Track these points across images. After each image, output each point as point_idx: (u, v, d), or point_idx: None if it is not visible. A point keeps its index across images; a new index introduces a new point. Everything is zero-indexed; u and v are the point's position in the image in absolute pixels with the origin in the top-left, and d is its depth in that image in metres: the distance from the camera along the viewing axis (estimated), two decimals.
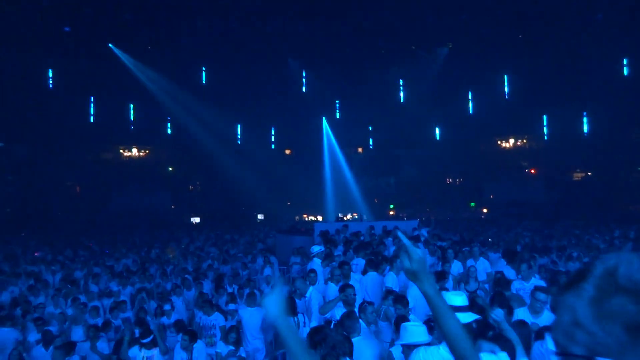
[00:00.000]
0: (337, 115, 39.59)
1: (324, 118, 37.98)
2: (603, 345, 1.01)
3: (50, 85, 34.42)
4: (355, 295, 6.07)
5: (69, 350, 6.82)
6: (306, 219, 34.61)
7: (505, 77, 37.20)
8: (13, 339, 7.89)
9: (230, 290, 9.93)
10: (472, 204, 36.72)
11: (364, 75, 35.60)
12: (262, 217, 37.13)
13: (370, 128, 40.23)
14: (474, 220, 30.64)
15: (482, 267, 8.53)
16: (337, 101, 40.02)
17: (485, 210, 35.93)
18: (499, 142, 38.95)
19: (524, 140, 38.83)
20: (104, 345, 7.72)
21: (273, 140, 40.12)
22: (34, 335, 8.24)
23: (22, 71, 30.50)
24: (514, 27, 31.06)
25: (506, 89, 37.90)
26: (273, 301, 1.85)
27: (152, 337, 6.14)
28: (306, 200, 36.47)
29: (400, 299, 5.70)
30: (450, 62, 34.03)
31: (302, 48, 34.13)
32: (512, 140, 39.03)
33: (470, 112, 38.66)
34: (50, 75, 34.42)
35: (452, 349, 1.72)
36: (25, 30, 27.84)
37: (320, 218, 30.87)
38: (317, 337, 3.25)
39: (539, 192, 34.00)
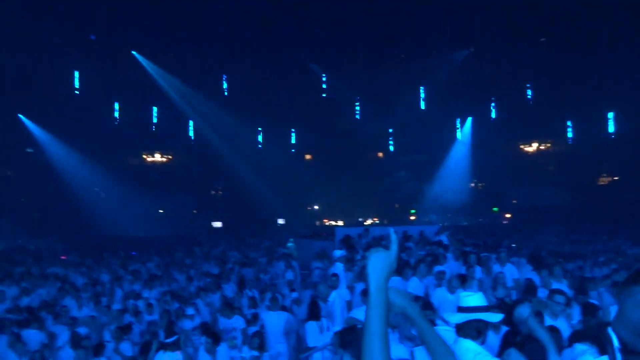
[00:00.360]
0: (358, 120, 39.52)
1: (344, 122, 38.00)
2: None
3: (77, 92, 35.16)
4: None
5: (97, 351, 6.95)
6: (326, 223, 34.66)
7: (528, 83, 36.64)
8: (38, 341, 8.05)
9: (251, 294, 10.01)
10: (495, 209, 36.24)
11: (384, 79, 35.51)
12: (283, 222, 37.26)
13: (390, 132, 40.08)
14: (497, 225, 30.23)
15: (510, 273, 8.40)
16: (357, 105, 39.99)
17: (508, 216, 35.42)
18: (521, 147, 38.39)
19: (548, 145, 38.20)
20: (127, 347, 7.83)
21: (293, 145, 40.21)
22: (62, 337, 8.43)
23: (50, 79, 31.27)
24: (536, 29, 30.66)
25: (529, 93, 37.38)
26: (380, 261, 1.64)
27: (176, 337, 6.21)
28: (327, 205, 36.55)
29: (428, 304, 5.67)
30: (472, 66, 33.71)
31: (323, 52, 34.27)
32: (535, 145, 38.44)
33: (493, 116, 38.21)
34: (77, 84, 35.17)
35: None
36: (53, 38, 28.59)
37: (341, 223, 30.90)
38: (347, 337, 3.25)
39: (564, 197, 33.36)
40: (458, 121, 38.76)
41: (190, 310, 8.40)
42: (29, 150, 35.27)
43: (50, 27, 27.58)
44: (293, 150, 39.88)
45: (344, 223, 31.02)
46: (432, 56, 34.32)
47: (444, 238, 12.38)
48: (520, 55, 32.13)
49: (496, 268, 8.49)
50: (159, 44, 32.41)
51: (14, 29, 25.17)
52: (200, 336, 6.67)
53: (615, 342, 1.04)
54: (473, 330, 3.20)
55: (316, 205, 37.56)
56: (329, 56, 34.54)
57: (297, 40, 32.66)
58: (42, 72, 29.90)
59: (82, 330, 8.06)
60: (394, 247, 1.69)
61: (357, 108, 39.94)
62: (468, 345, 3.15)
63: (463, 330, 3.23)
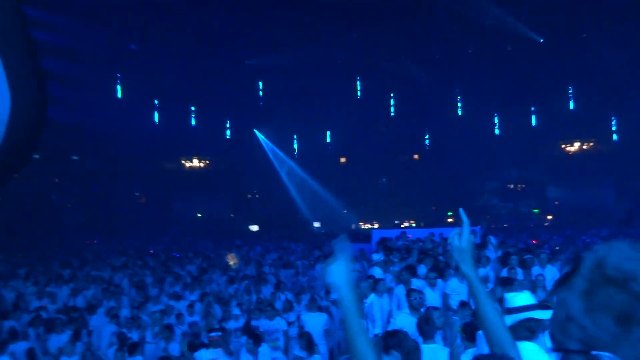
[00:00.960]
0: (393, 122, 39.28)
1: (378, 125, 37.86)
2: (595, 338, 0.98)
3: (118, 101, 36.33)
4: (420, 299, 6.03)
5: (131, 350, 7.17)
6: (362, 226, 34.55)
7: (570, 81, 35.56)
8: (84, 341, 8.35)
9: (287, 296, 10.10)
10: (536, 210, 35.31)
11: (419, 81, 35.24)
12: (319, 225, 37.37)
13: (427, 134, 39.70)
14: (538, 227, 29.43)
15: (551, 275, 8.20)
16: (392, 107, 39.80)
17: (549, 217, 34.44)
18: (563, 146, 37.31)
19: (591, 144, 36.98)
20: (174, 347, 8.04)
21: (329, 148, 40.26)
22: (107, 338, 8.73)
23: (93, 89, 32.44)
24: (578, 25, 29.81)
25: (570, 90, 36.33)
26: (336, 270, 1.72)
27: (217, 334, 6.33)
28: (362, 208, 36.47)
29: (465, 304, 5.60)
30: (511, 64, 33.02)
31: (356, 55, 34.28)
32: (577, 144, 37.28)
33: (533, 115, 37.31)
34: (119, 95, 36.38)
35: (489, 338, 1.70)
36: (95, 48, 29.70)
37: (376, 226, 30.76)
38: (391, 341, 3.25)
39: (608, 198, 32.20)
40: (496, 120, 38.06)
41: (235, 311, 8.54)
42: (74, 157, 36.69)
43: (91, 36, 28.70)
44: (328, 155, 39.90)
45: (379, 226, 30.82)
46: (468, 55, 33.83)
47: (493, 239, 12.07)
48: (561, 53, 31.30)
49: (536, 270, 8.28)
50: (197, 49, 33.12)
51: (64, 38, 26.23)
52: (242, 337, 6.79)
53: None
54: (525, 330, 3.13)
55: (352, 208, 37.53)
56: (363, 57, 34.51)
57: (331, 40, 32.77)
58: (86, 85, 31.06)
59: (125, 331, 8.32)
60: (466, 228, 1.90)
61: (392, 109, 39.73)
62: (527, 346, 3.08)
63: (516, 332, 3.16)
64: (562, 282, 1.10)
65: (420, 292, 6.31)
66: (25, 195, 31.00)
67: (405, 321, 5.85)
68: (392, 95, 39.26)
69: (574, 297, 1.04)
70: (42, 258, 20.54)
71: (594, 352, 0.99)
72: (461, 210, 1.90)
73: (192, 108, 38.85)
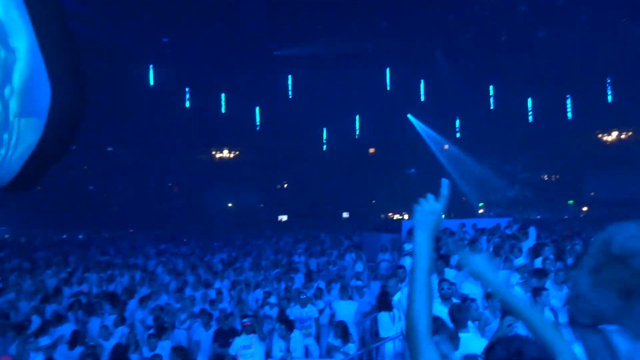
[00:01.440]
0: (423, 112, 38.79)
1: (409, 115, 37.45)
2: (602, 312, 1.07)
3: (150, 91, 36.98)
4: (450, 289, 5.99)
5: (159, 333, 7.37)
6: (391, 217, 34.41)
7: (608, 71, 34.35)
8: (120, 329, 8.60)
9: (318, 284, 10.17)
10: (571, 201, 34.41)
11: (450, 71, 34.65)
12: (347, 215, 37.40)
13: (457, 124, 39.08)
14: (573, 219, 28.70)
15: None
16: (422, 96, 39.27)
17: (585, 209, 33.52)
18: (600, 136, 36.18)
19: (629, 133, 35.74)
20: (203, 332, 8.22)
21: (357, 138, 40.09)
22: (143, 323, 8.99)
23: (127, 83, 33.16)
24: (616, 12, 28.76)
25: (608, 80, 35.14)
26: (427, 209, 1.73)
27: (250, 319, 6.44)
28: (391, 198, 36.26)
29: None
30: (547, 49, 32.10)
31: (384, 45, 33.95)
32: (615, 134, 36.09)
33: (568, 103, 36.26)
34: (152, 80, 37.02)
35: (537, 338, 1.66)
36: (128, 41, 30.28)
37: (406, 216, 30.56)
38: (433, 326, 3.25)
39: None
40: (530, 107, 37.16)
41: (272, 299, 8.65)
42: (109, 149, 37.66)
43: (124, 30, 29.28)
44: (357, 145, 39.75)
45: (409, 216, 30.61)
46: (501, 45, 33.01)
47: (532, 231, 11.79)
48: (598, 41, 30.26)
49: (571, 261, 8.09)
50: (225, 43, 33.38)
51: (97, 31, 26.84)
52: (275, 323, 6.88)
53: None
54: None
55: (381, 198, 37.40)
56: (393, 48, 34.13)
57: (360, 30, 32.52)
58: (121, 78, 31.74)
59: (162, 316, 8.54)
60: (442, 201, 1.80)
61: (422, 99, 39.22)
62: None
63: None
64: (576, 262, 1.18)
65: (452, 283, 6.26)
66: (63, 185, 32.01)
67: (436, 311, 5.82)
68: (422, 83, 38.70)
69: (582, 274, 1.12)
70: (80, 246, 21.26)
71: (601, 326, 1.08)
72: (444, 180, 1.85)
73: (223, 97, 39.26)
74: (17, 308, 10.00)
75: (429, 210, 1.75)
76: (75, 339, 7.30)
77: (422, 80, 38.39)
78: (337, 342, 6.44)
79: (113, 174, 36.38)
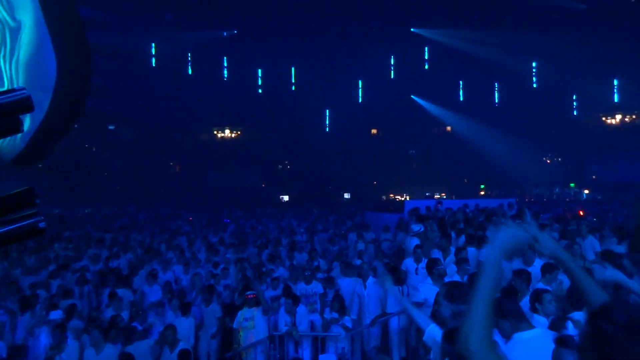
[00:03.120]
0: (425, 95, 38.58)
1: (413, 97, 37.26)
2: None
3: (153, 71, 36.76)
4: (443, 270, 6.13)
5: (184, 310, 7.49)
6: (393, 198, 34.49)
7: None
8: (127, 299, 8.73)
9: (320, 263, 10.29)
10: (572, 184, 34.44)
11: (452, 54, 34.43)
12: (349, 196, 37.49)
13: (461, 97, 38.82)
14: (574, 201, 28.78)
15: (591, 245, 8.09)
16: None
17: (587, 192, 33.58)
18: (603, 119, 36.03)
19: (633, 117, 35.59)
20: (216, 308, 8.34)
21: (359, 120, 39.94)
22: (151, 297, 9.09)
23: (129, 63, 32.90)
24: None
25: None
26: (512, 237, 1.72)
27: (255, 292, 6.53)
28: (393, 180, 36.33)
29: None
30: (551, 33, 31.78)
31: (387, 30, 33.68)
32: (618, 117, 35.94)
33: (571, 86, 36.00)
34: (154, 63, 36.76)
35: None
36: (130, 18, 30.00)
37: (407, 198, 30.63)
38: (456, 291, 3.27)
39: None
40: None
41: (275, 274, 8.76)
42: (110, 127, 37.59)
43: (126, 6, 29.01)
44: (359, 126, 39.63)
45: (410, 198, 30.68)
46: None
47: (527, 212, 11.86)
48: (604, 25, 29.92)
49: (578, 241, 8.17)
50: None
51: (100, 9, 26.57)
52: (281, 298, 6.98)
53: None
54: None
55: (382, 179, 37.46)
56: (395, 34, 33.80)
57: (364, 13, 32.20)
58: (123, 58, 31.48)
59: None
60: (530, 228, 1.83)
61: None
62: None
63: None
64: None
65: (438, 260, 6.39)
66: (66, 163, 32.04)
67: (429, 291, 5.92)
68: (426, 66, 38.39)
69: None
70: (82, 223, 21.37)
71: None
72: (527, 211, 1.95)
73: (225, 74, 38.95)
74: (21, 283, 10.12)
75: (515, 235, 1.72)
76: (72, 313, 7.38)
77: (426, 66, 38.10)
78: (335, 315, 6.55)
79: (114, 152, 36.41)
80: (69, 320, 7.23)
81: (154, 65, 36.70)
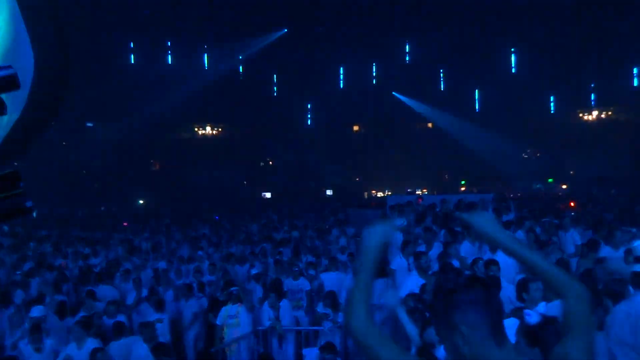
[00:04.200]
0: (407, 91, 38.76)
1: (394, 93, 37.43)
2: None
3: (131, 69, 36.22)
4: (428, 262, 6.18)
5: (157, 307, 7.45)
6: (375, 194, 34.66)
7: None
8: (111, 296, 8.63)
9: (307, 259, 10.30)
10: (550, 179, 35.02)
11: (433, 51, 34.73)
12: (331, 193, 37.55)
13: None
14: (553, 196, 29.27)
15: (572, 239, 8.26)
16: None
17: (564, 187, 34.17)
18: (580, 115, 36.72)
19: (609, 113, 36.32)
20: (193, 304, 8.31)
21: (342, 115, 39.90)
22: (132, 295, 8.99)
23: (107, 59, 32.38)
24: None
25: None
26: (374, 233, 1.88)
27: (234, 289, 6.52)
28: (375, 176, 36.54)
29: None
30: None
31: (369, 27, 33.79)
32: (595, 113, 36.65)
33: (550, 83, 36.55)
34: (132, 60, 36.21)
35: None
36: (108, 16, 29.49)
37: (389, 194, 30.82)
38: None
39: (627, 168, 31.61)
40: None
41: (254, 270, 8.73)
42: (88, 124, 36.89)
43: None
44: (341, 123, 39.63)
45: (391, 194, 30.89)
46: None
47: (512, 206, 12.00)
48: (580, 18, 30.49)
49: (560, 234, 8.36)
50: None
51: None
52: (264, 293, 6.96)
53: None
54: None
55: (364, 176, 37.61)
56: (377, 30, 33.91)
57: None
58: (101, 54, 30.94)
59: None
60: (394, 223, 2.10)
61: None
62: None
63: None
64: None
65: (425, 254, 6.43)
66: (42, 161, 31.33)
67: (414, 283, 5.98)
68: (407, 60, 38.56)
69: None
70: (59, 222, 21.02)
71: None
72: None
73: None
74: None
75: (380, 230, 1.90)
76: (64, 309, 7.30)
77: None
78: (327, 311, 6.55)
79: (93, 150, 35.82)
80: (63, 317, 7.22)
81: (132, 62, 36.16)
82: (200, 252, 11.42)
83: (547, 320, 2.78)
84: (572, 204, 17.27)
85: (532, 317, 3.39)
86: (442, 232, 8.62)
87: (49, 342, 6.33)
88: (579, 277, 4.96)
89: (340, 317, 6.59)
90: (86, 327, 6.17)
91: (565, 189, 33.79)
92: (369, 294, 1.77)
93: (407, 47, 38.16)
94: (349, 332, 1.76)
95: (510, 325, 3.38)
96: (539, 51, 33.65)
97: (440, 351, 3.21)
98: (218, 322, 6.89)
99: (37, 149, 26.36)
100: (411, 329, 3.72)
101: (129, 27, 32.66)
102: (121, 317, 7.26)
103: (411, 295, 5.15)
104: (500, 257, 6.06)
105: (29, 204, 1.18)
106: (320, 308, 6.74)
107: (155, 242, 13.78)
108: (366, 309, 1.72)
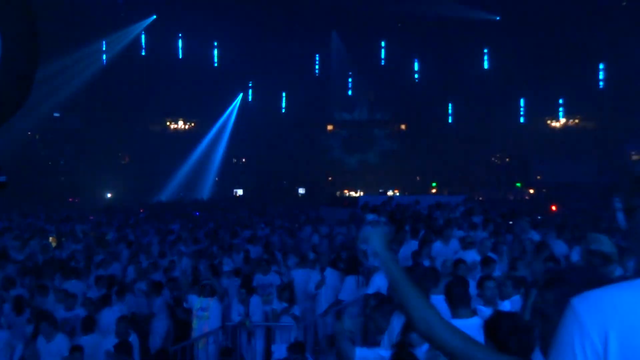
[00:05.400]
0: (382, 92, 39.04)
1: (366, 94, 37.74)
2: None
3: (104, 62, 35.39)
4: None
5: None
6: (347, 194, 34.82)
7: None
8: (80, 291, 8.43)
9: (277, 256, 10.27)
10: (518, 184, 35.84)
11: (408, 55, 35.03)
12: (303, 191, 37.56)
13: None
14: (519, 200, 29.99)
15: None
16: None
17: (531, 191, 35.02)
18: (548, 122, 37.68)
19: (576, 120, 37.37)
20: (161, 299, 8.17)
21: (316, 114, 39.89)
22: (94, 291, 8.79)
23: (78, 45, 31.52)
24: None
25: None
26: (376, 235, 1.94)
27: (210, 282, 6.47)
28: (348, 176, 36.79)
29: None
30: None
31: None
32: (562, 120, 37.66)
33: (519, 91, 37.42)
34: (104, 48, 35.35)
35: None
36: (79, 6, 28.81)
37: (361, 193, 31.04)
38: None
39: (592, 173, 32.59)
40: None
41: (226, 267, 8.66)
42: (55, 114, 35.84)
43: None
44: (315, 122, 39.61)
45: (363, 193, 31.13)
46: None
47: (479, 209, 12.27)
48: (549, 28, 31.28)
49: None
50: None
51: None
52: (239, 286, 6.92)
53: None
54: None
55: (337, 175, 37.76)
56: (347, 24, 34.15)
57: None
58: (70, 40, 30.16)
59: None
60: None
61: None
62: None
63: None
64: None
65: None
66: (4, 152, 30.33)
67: (382, 282, 6.02)
68: (382, 62, 38.85)
69: None
70: (23, 214, 20.38)
71: None
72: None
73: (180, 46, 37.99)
74: None
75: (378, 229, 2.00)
76: (21, 304, 7.11)
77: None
78: (284, 305, 6.56)
79: (59, 141, 34.89)
80: (20, 313, 7.03)
81: (104, 48, 35.27)
82: (166, 247, 11.29)
83: (500, 315, 2.83)
84: (553, 207, 17.70)
85: (485, 313, 3.54)
86: (422, 232, 8.77)
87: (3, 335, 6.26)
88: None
89: (296, 310, 6.59)
90: (53, 323, 6.06)
91: (532, 193, 34.65)
92: (418, 296, 1.66)
93: (382, 51, 38.53)
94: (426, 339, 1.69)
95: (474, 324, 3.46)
96: (509, 58, 34.42)
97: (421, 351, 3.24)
98: (186, 306, 6.88)
99: (2, 137, 25.57)
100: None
101: (102, 14, 31.97)
102: (80, 311, 7.15)
103: (375, 294, 5.20)
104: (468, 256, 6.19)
105: (2, 178, 1.15)
106: (276, 304, 6.72)
107: (123, 235, 13.53)
108: (428, 309, 1.61)
